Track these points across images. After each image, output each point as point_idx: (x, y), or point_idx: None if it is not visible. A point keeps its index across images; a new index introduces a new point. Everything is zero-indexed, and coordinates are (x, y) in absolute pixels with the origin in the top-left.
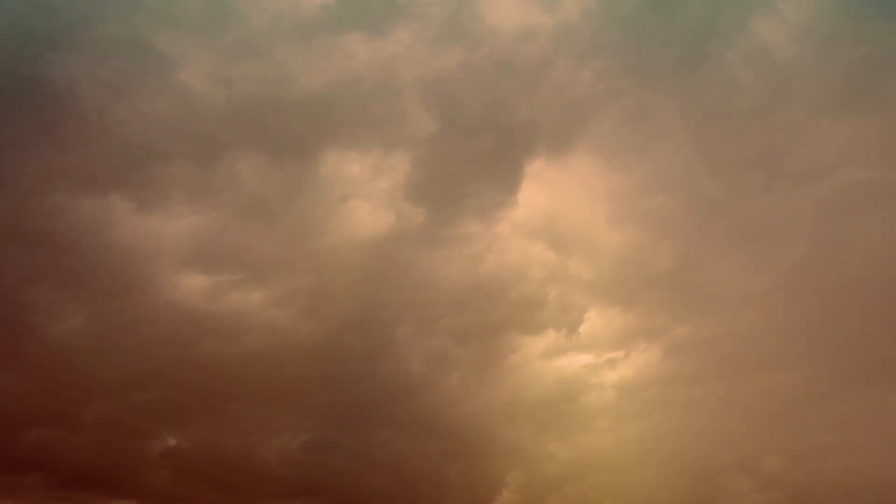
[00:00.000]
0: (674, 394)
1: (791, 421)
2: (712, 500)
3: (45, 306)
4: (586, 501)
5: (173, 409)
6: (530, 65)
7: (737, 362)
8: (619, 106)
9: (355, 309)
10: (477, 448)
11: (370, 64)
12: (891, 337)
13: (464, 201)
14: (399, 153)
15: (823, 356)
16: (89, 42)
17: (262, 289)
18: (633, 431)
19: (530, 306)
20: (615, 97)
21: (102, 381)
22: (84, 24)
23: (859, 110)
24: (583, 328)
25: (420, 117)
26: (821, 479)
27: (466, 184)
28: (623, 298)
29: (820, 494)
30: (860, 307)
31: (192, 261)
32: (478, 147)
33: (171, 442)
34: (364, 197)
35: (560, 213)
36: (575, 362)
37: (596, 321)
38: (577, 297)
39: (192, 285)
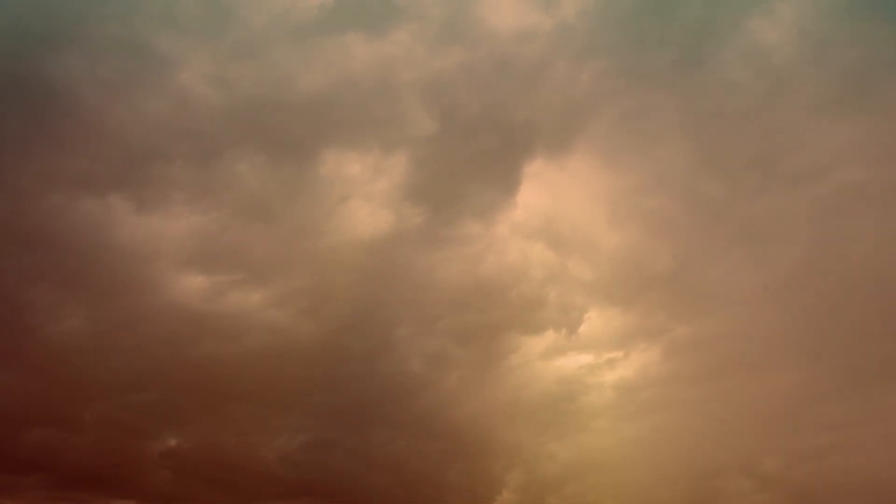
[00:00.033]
0: (673, 394)
1: (790, 421)
2: (712, 501)
3: (44, 307)
4: (586, 501)
5: (173, 410)
6: (529, 65)
7: (736, 362)
8: (617, 106)
9: (355, 309)
10: (477, 448)
11: (369, 64)
12: (889, 337)
13: (463, 201)
14: (398, 153)
15: (822, 356)
16: (88, 42)
17: (262, 289)
18: (633, 431)
19: (530, 306)
20: (613, 97)
21: (103, 381)
22: (83, 24)
23: (856, 111)
24: (582, 328)
25: (419, 118)
26: (820, 480)
27: (466, 184)
28: (622, 299)
29: (819, 494)
30: (859, 307)
31: (192, 261)
32: (477, 147)
33: (172, 442)
34: (364, 197)
35: (559, 213)
36: (575, 362)
37: (595, 321)
38: (576, 297)
39: (192, 285)
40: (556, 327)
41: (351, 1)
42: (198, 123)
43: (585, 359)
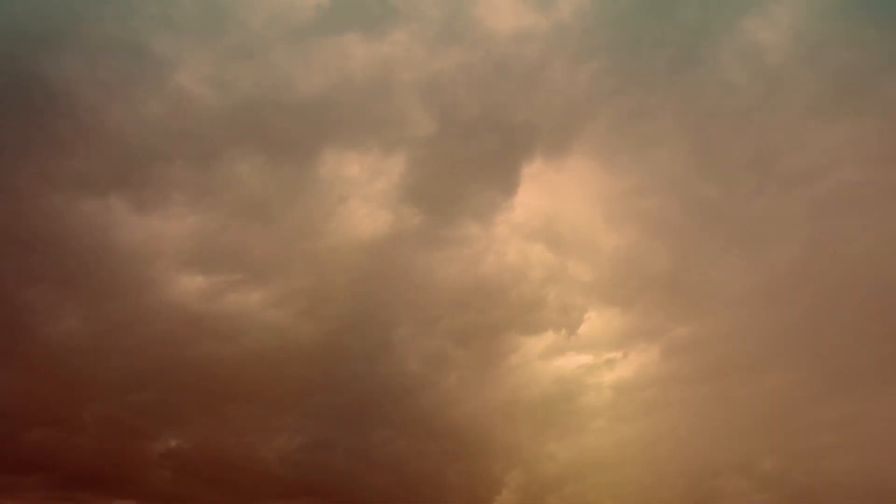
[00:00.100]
0: (672, 394)
1: (788, 421)
2: (710, 500)
3: (44, 307)
4: (585, 501)
5: (173, 410)
6: (527, 66)
7: (734, 363)
8: (614, 107)
9: (354, 309)
10: (476, 448)
11: (368, 65)
12: (887, 337)
13: (462, 202)
14: (398, 154)
15: (820, 357)
16: (86, 43)
17: (262, 289)
18: (632, 431)
19: (529, 307)
20: (611, 98)
21: (103, 381)
22: (81, 25)
23: (852, 112)
24: (582, 329)
25: (418, 118)
26: (818, 480)
27: (465, 185)
28: (621, 299)
29: (818, 494)
30: (856, 307)
31: (192, 261)
32: (476, 148)
33: (171, 442)
34: (363, 198)
35: (558, 214)
36: (574, 363)
37: (595, 322)
38: (576, 297)
39: (192, 286)
40: (556, 328)
41: (348, 2)
42: (197, 124)
43: (585, 359)
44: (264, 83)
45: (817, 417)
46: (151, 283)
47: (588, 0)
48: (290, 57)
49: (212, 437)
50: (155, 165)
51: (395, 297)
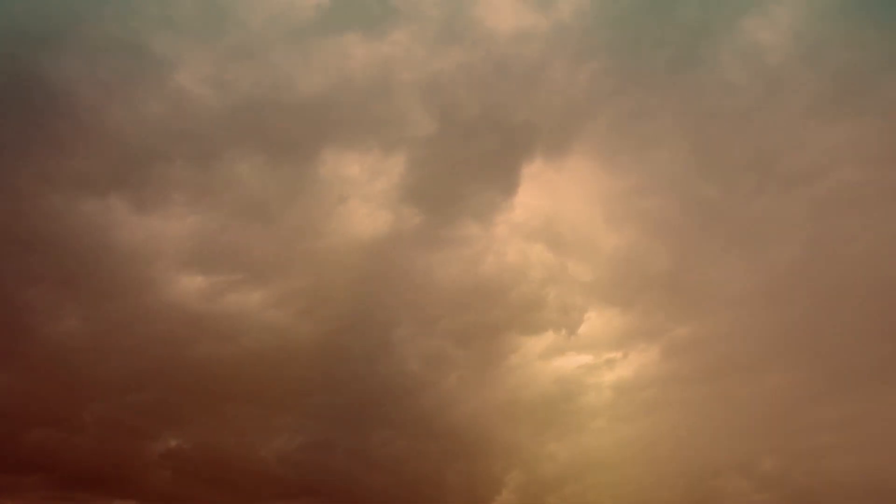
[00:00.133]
0: (672, 394)
1: (788, 421)
2: (710, 500)
3: (44, 307)
4: (585, 501)
5: (173, 410)
6: (527, 66)
7: (734, 363)
8: (614, 107)
9: (354, 310)
10: (476, 448)
11: (368, 65)
12: (886, 337)
13: (462, 202)
14: (397, 154)
15: (820, 357)
16: (86, 43)
17: (261, 289)
18: (632, 431)
19: (529, 307)
20: (610, 98)
21: (103, 381)
22: (80, 25)
23: (852, 112)
24: (582, 329)
25: (418, 118)
26: (818, 480)
27: (465, 185)
28: (621, 299)
29: (818, 495)
30: (856, 307)
31: (192, 261)
32: (476, 148)
33: (171, 442)
34: (363, 198)
35: (558, 214)
36: (574, 363)
37: (595, 322)
38: (576, 297)
39: (192, 286)
40: (556, 328)
41: (348, 2)
42: (196, 124)
43: (585, 359)
44: (264, 83)
45: (817, 417)
46: (151, 283)
47: (588, 0)
48: (290, 57)
49: (212, 437)
50: (155, 165)
51: (395, 297)
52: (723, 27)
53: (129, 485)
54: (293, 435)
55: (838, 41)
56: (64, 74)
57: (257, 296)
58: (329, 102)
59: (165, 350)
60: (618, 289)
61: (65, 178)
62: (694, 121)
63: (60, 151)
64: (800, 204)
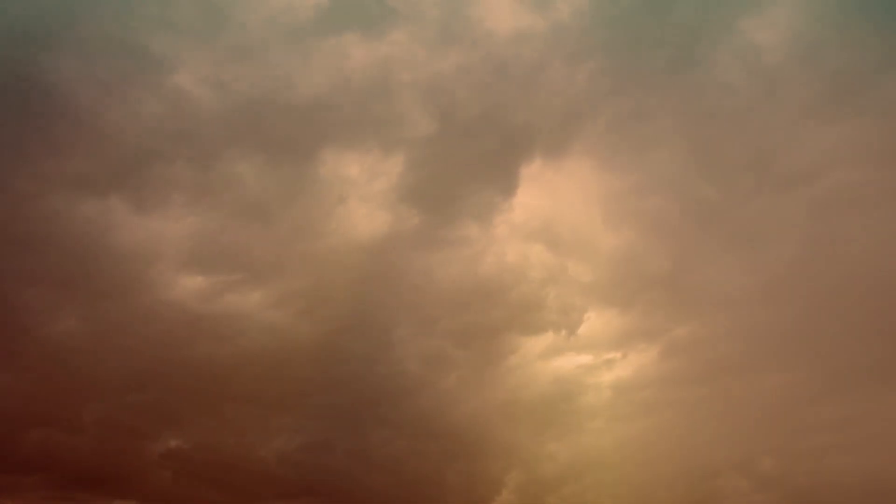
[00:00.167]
0: (671, 394)
1: (787, 421)
2: (709, 500)
3: (43, 308)
4: (584, 501)
5: (172, 410)
6: (526, 67)
7: (733, 363)
8: (613, 107)
9: (354, 310)
10: (476, 448)
11: (367, 66)
12: (885, 337)
13: (461, 202)
14: (397, 154)
15: (819, 356)
16: (84, 43)
17: (261, 290)
18: (631, 432)
19: (529, 307)
20: (609, 98)
21: (102, 382)
22: (78, 25)
23: (849, 112)
24: (581, 329)
25: (417, 119)
26: (817, 480)
27: (464, 185)
28: (621, 299)
29: (817, 494)
30: (855, 307)
31: (191, 262)
32: (475, 149)
33: (171, 443)
34: (362, 198)
35: (557, 214)
36: (573, 363)
37: (594, 322)
38: (575, 298)
39: (191, 286)
40: (556, 328)
41: (347, 2)
42: (195, 124)
43: (584, 359)
44: (263, 83)
45: (816, 417)
46: (151, 284)
47: (587, 0)
48: (289, 57)
49: (211, 437)
50: (154, 166)
51: (395, 297)
52: (720, 27)
53: (129, 485)
54: (293, 435)
55: (836, 41)
56: (62, 75)
57: (257, 296)
58: (328, 103)
59: (165, 350)
60: (617, 289)
61: (63, 178)
62: (692, 121)
63: (59, 152)
64: (798, 204)
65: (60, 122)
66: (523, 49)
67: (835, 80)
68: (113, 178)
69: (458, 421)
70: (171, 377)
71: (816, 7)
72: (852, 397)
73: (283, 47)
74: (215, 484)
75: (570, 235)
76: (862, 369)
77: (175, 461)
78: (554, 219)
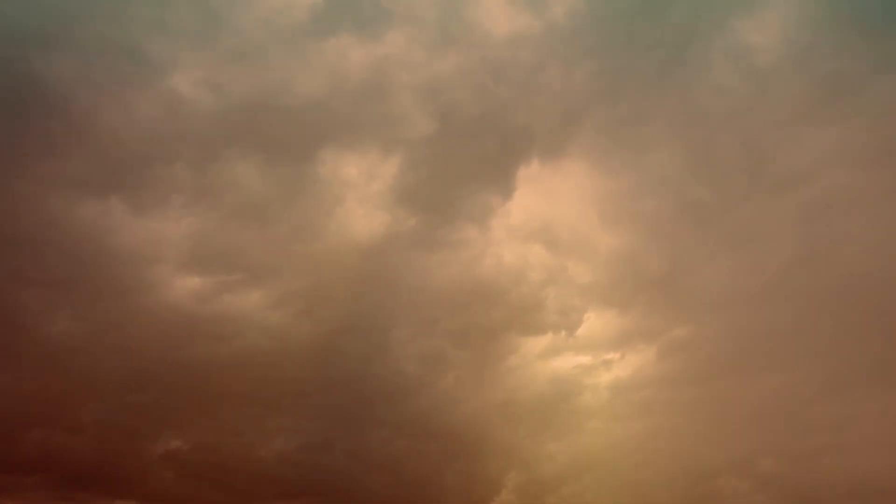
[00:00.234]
0: (669, 394)
1: (786, 421)
2: (708, 501)
3: (42, 309)
4: (584, 502)
5: (173, 411)
6: (522, 69)
7: (731, 363)
8: (608, 109)
9: (352, 311)
10: (475, 449)
11: (364, 67)
12: (883, 336)
13: (459, 204)
14: (395, 156)
15: (817, 357)
16: (80, 45)
17: (260, 290)
18: (630, 432)
19: (528, 308)
20: (604, 100)
21: (102, 382)
22: (74, 27)
23: (841, 115)
24: (580, 330)
25: (415, 120)
26: (816, 480)
27: (462, 187)
28: (619, 300)
29: (816, 495)
30: (851, 308)
31: (190, 263)
32: (473, 150)
33: (172, 443)
34: (360, 200)
35: (555, 216)
36: (572, 363)
37: (593, 323)
38: (574, 299)
39: (190, 287)
40: (555, 329)
41: (342, 4)
42: (193, 127)
43: (583, 360)
44: (261, 85)
45: (815, 418)
46: (150, 285)
47: (582, 1)
48: (286, 59)
49: (211, 437)
50: (152, 168)
51: (394, 298)
52: (714, 29)
53: (128, 485)
54: (292, 435)
55: (829, 44)
56: (59, 77)
57: (256, 297)
58: (326, 104)
59: (164, 351)
60: (615, 290)
61: (62, 179)
62: (687, 122)
63: (57, 153)
64: (792, 205)
65: (58, 124)
66: (520, 51)
67: (828, 82)
68: (111, 180)
69: (458, 421)
70: (171, 378)
71: (809, 9)
72: (850, 397)
73: (280, 49)
74: (215, 484)
75: (569, 236)
76: (860, 369)
77: (175, 461)
78: (552, 220)
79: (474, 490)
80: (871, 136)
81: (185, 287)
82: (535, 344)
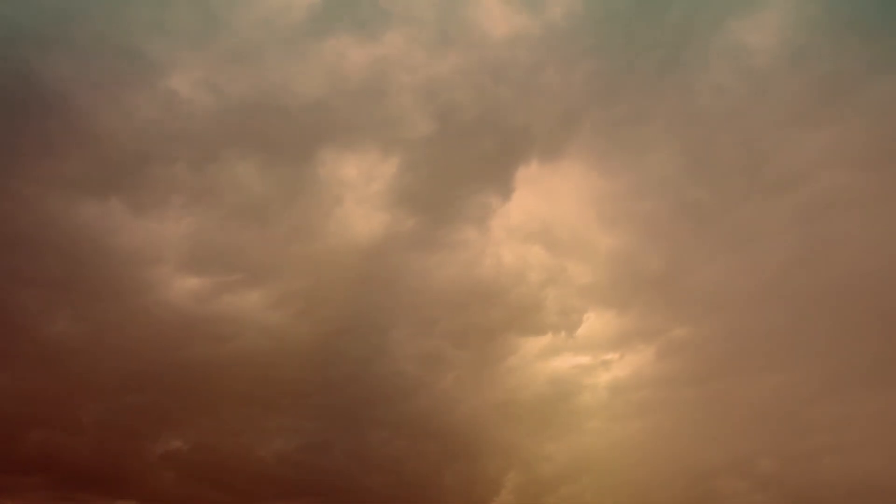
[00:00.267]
0: (668, 395)
1: (785, 422)
2: (707, 501)
3: (42, 309)
4: (583, 502)
5: (172, 411)
6: (521, 69)
7: (729, 364)
8: (607, 110)
9: (352, 311)
10: (474, 449)
11: (363, 67)
12: (881, 337)
13: (459, 204)
14: (394, 156)
15: (815, 357)
16: (78, 45)
17: (259, 291)
18: (629, 432)
19: (528, 309)
20: (603, 101)
21: (101, 383)
22: (73, 27)
23: (839, 115)
24: (579, 330)
25: (414, 121)
26: (815, 480)
27: (461, 187)
28: (618, 301)
29: (815, 495)
30: (849, 308)
31: (189, 263)
32: (472, 151)
33: (172, 443)
34: (360, 200)
35: (555, 217)
36: (571, 364)
37: (592, 323)
38: (573, 299)
39: (189, 287)
40: (555, 329)
41: (341, 4)
42: (191, 127)
43: (582, 360)
44: (260, 85)
45: (814, 418)
46: (149, 285)
47: (580, 2)
48: (285, 59)
49: (211, 438)
50: (151, 168)
51: (393, 298)
52: (712, 29)
53: (129, 485)
54: (291, 436)
55: (826, 44)
56: (58, 77)
57: (255, 297)
58: (325, 104)
59: (163, 351)
60: (614, 290)
61: (61, 180)
62: (685, 123)
63: (56, 154)
64: (790, 206)
65: (57, 124)
66: (519, 51)
67: (826, 82)
68: (110, 180)
69: (457, 421)
70: (170, 378)
71: (807, 9)
72: (849, 397)
73: (279, 49)
74: (215, 484)
75: (568, 237)
76: (859, 369)
77: (175, 461)
78: (551, 220)
79: (473, 490)
80: (869, 136)
81: (184, 287)
82: (535, 344)
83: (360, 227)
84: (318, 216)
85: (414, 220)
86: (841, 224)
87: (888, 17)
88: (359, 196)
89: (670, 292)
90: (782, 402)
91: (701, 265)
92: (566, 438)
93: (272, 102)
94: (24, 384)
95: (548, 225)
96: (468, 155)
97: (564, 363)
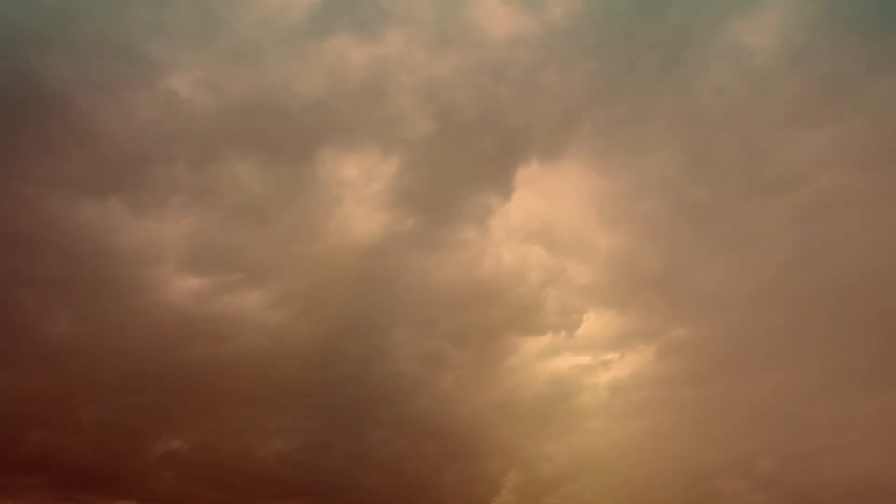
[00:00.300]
0: (668, 395)
1: (785, 422)
2: (707, 501)
3: (42, 309)
4: (583, 502)
5: (172, 411)
6: (521, 69)
7: (729, 364)
8: (607, 110)
9: (352, 311)
10: (474, 449)
11: (363, 67)
12: (881, 337)
13: (459, 204)
14: (394, 156)
15: (815, 357)
16: (78, 45)
17: (259, 291)
18: (629, 432)
19: (528, 309)
20: (603, 101)
21: (101, 383)
22: (73, 27)
23: (839, 115)
24: (579, 330)
25: (414, 121)
26: (815, 480)
27: (461, 187)
28: (618, 301)
29: (814, 495)
30: (849, 308)
31: (189, 263)
32: (472, 151)
33: (172, 443)
34: (360, 200)
35: (555, 217)
36: (571, 364)
37: (592, 323)
38: (573, 299)
39: (189, 287)
40: (555, 329)
41: (341, 4)
42: (191, 127)
43: (582, 360)
44: (260, 85)
45: (814, 418)
46: (149, 285)
47: (580, 2)
48: (285, 59)
49: (211, 438)
50: (151, 168)
51: (393, 298)
52: (712, 29)
53: (129, 485)
54: (291, 436)
55: (826, 44)
56: (57, 77)
57: (255, 297)
58: (325, 104)
59: (163, 351)
60: (614, 290)
61: (61, 180)
62: (685, 123)
63: (56, 154)
64: (790, 206)
65: (57, 124)
66: (519, 51)
67: (826, 82)
68: (110, 180)
69: (457, 421)
70: (170, 378)
71: (807, 9)
72: (849, 397)
73: (279, 49)
74: (215, 484)
75: (568, 237)
76: (859, 369)
77: (175, 461)
78: (551, 220)
79: (473, 490)
80: (869, 136)
81: (184, 287)
82: (535, 344)
83: (360, 227)
84: (318, 216)
85: (414, 220)
86: (841, 224)
87: (888, 17)
88: (359, 196)
89: (670, 292)
90: (782, 402)
91: (701, 265)
92: (566, 438)
93: (272, 102)
94: (24, 384)
95: (548, 225)
96: (468, 155)
97: (564, 363)
